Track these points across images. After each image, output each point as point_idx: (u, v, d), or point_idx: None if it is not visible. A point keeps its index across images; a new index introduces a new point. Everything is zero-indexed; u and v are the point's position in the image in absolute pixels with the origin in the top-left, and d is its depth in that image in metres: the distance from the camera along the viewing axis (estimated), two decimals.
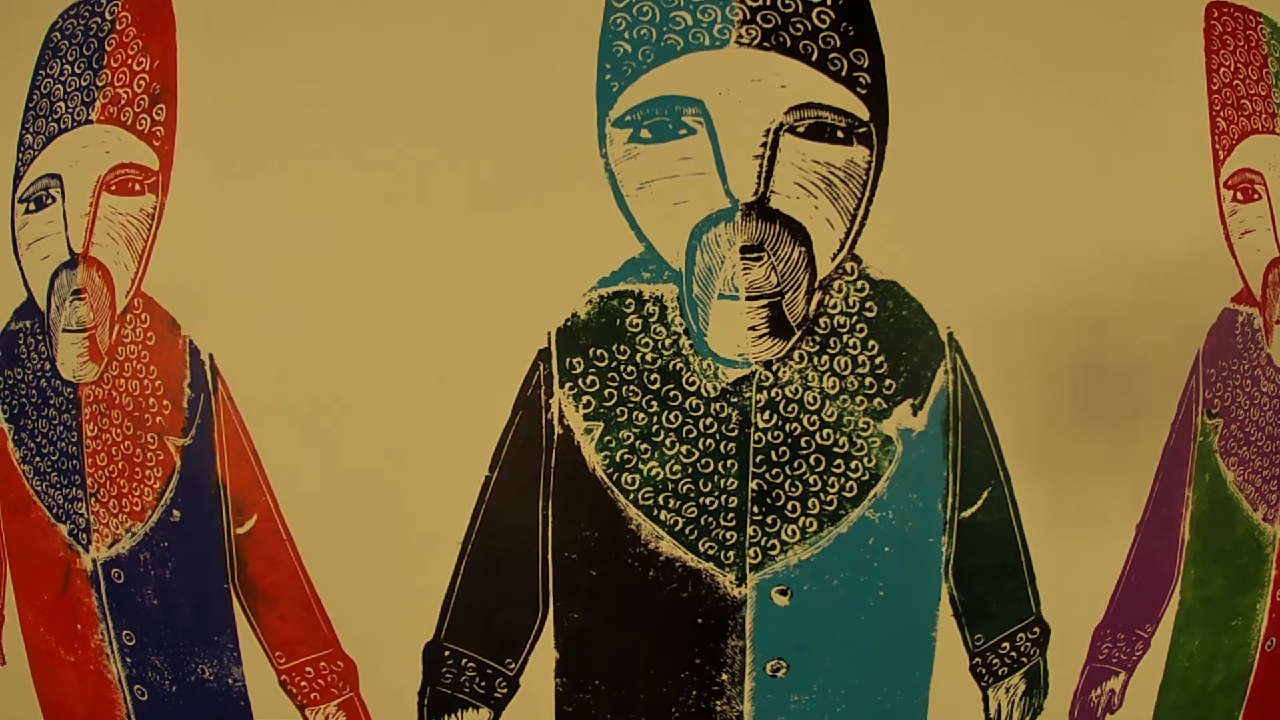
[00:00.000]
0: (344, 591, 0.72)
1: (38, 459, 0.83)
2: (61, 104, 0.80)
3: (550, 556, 0.69)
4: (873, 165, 0.68)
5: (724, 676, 0.71)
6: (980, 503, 0.71)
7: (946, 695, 0.74)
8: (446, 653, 0.72)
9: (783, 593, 0.69)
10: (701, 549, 0.68)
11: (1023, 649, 0.74)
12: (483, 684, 0.72)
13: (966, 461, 0.69)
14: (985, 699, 0.75)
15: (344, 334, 0.69)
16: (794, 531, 0.68)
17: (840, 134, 0.68)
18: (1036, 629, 0.74)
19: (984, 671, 0.74)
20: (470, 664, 0.72)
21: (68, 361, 0.79)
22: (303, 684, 0.77)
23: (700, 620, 0.69)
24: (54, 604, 0.86)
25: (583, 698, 0.72)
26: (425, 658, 0.72)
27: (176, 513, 0.76)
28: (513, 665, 0.72)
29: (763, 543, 0.68)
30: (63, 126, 0.80)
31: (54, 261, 0.80)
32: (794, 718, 0.72)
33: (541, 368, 0.67)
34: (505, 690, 0.72)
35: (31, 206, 0.81)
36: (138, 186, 0.76)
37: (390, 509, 0.70)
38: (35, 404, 0.82)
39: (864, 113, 0.68)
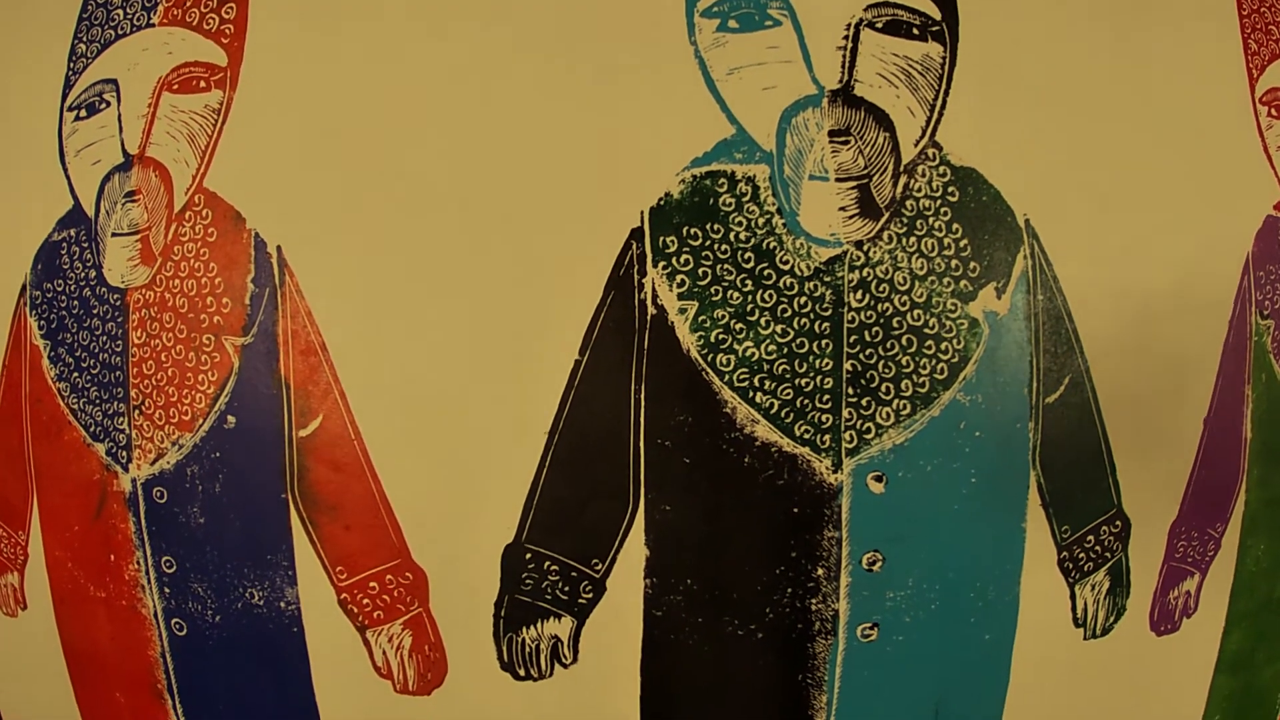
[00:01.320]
0: (416, 495, 0.63)
1: (75, 374, 0.73)
2: (120, 10, 0.73)
3: (642, 444, 0.62)
4: (946, 60, 0.66)
5: (820, 572, 0.64)
6: (1062, 389, 0.67)
7: (1035, 594, 0.68)
8: (528, 555, 0.64)
9: (878, 479, 0.64)
10: (798, 433, 0.63)
11: (1106, 543, 0.70)
12: (566, 589, 0.64)
13: (1048, 346, 0.66)
14: (1072, 597, 0.70)
15: (424, 218, 0.63)
16: (888, 414, 0.63)
17: (915, 30, 0.66)
18: (1119, 522, 0.70)
19: (1071, 567, 0.69)
20: (553, 567, 0.64)
21: (116, 267, 0.70)
22: (365, 601, 0.67)
23: (796, 510, 0.63)
24: (84, 534, 0.75)
25: (673, 599, 0.64)
26: (504, 562, 0.63)
27: (231, 419, 0.67)
28: (599, 566, 0.64)
29: (858, 426, 0.63)
30: (120, 32, 0.73)
31: (105, 166, 0.72)
32: (889, 616, 0.66)
33: (634, 247, 0.62)
34: (590, 595, 0.64)
35: (83, 113, 0.73)
36: (203, 84, 0.69)
37: (470, 401, 0.62)
38: (76, 315, 0.73)
39: (936, 13, 0.66)
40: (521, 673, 0.65)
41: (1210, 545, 0.74)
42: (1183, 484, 0.70)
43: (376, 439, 0.63)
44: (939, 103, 0.65)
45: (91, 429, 0.72)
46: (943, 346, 0.63)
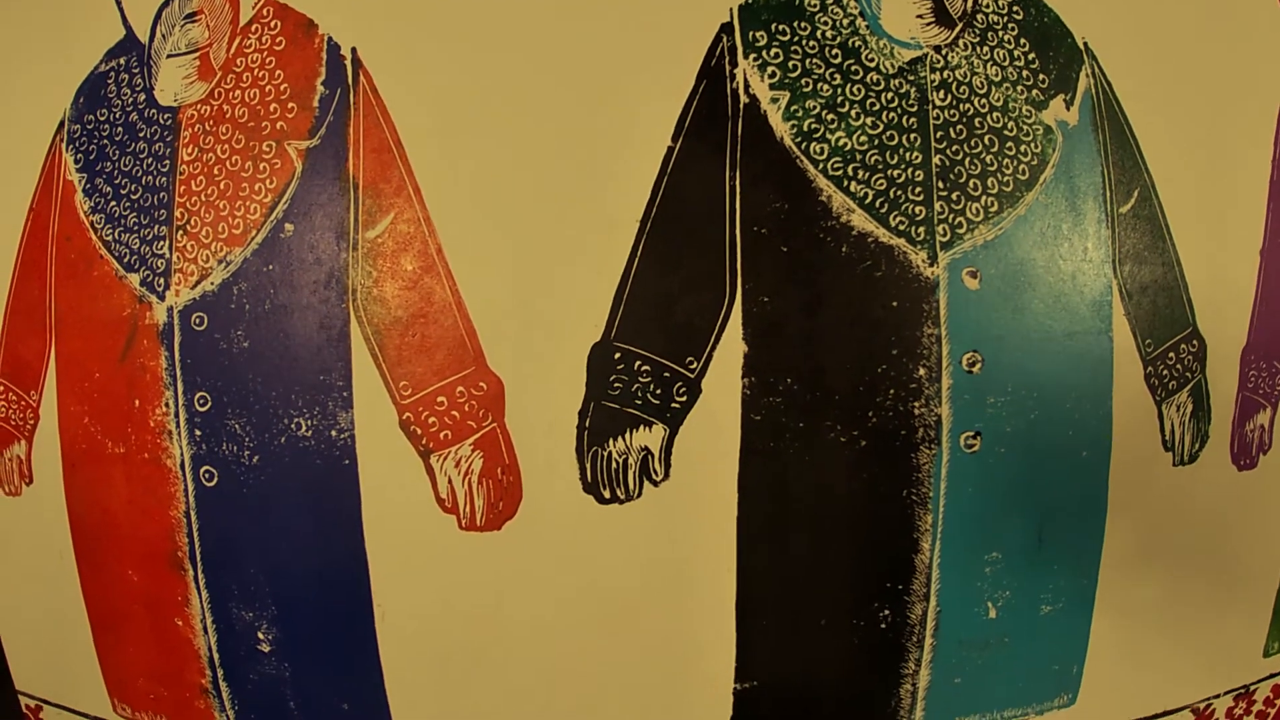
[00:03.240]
0: (493, 295, 0.52)
1: (113, 203, 0.62)
2: None
3: (739, 231, 0.54)
4: None
5: (921, 372, 0.56)
6: (1133, 201, 0.61)
7: (1126, 413, 0.61)
8: (617, 355, 0.53)
9: (973, 275, 0.56)
10: (892, 223, 0.55)
11: (1186, 362, 0.63)
12: (658, 392, 0.54)
13: (1116, 158, 0.61)
14: (1160, 419, 0.63)
15: (508, 12, 0.57)
16: (978, 210, 0.57)
17: None
18: (1196, 342, 0.63)
19: (1156, 384, 0.62)
20: (645, 367, 0.54)
21: (169, 86, 0.60)
22: (431, 420, 0.55)
23: (895, 303, 0.55)
24: (107, 381, 0.61)
25: (772, 401, 0.54)
26: (591, 363, 0.53)
27: (289, 226, 0.56)
28: (694, 365, 0.54)
29: (950, 220, 0.56)
30: None
31: None
32: (990, 424, 0.57)
33: (724, 40, 0.55)
34: (684, 398, 0.54)
35: None
36: None
37: (554, 193, 0.52)
38: (120, 142, 0.62)
39: None
40: (607, 494, 0.54)
41: (1278, 378, 0.68)
42: (1248, 312, 0.65)
43: (451, 236, 0.53)
44: None
45: (125, 259, 0.60)
46: (1022, 149, 0.58)
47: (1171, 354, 0.61)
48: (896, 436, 0.54)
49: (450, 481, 0.54)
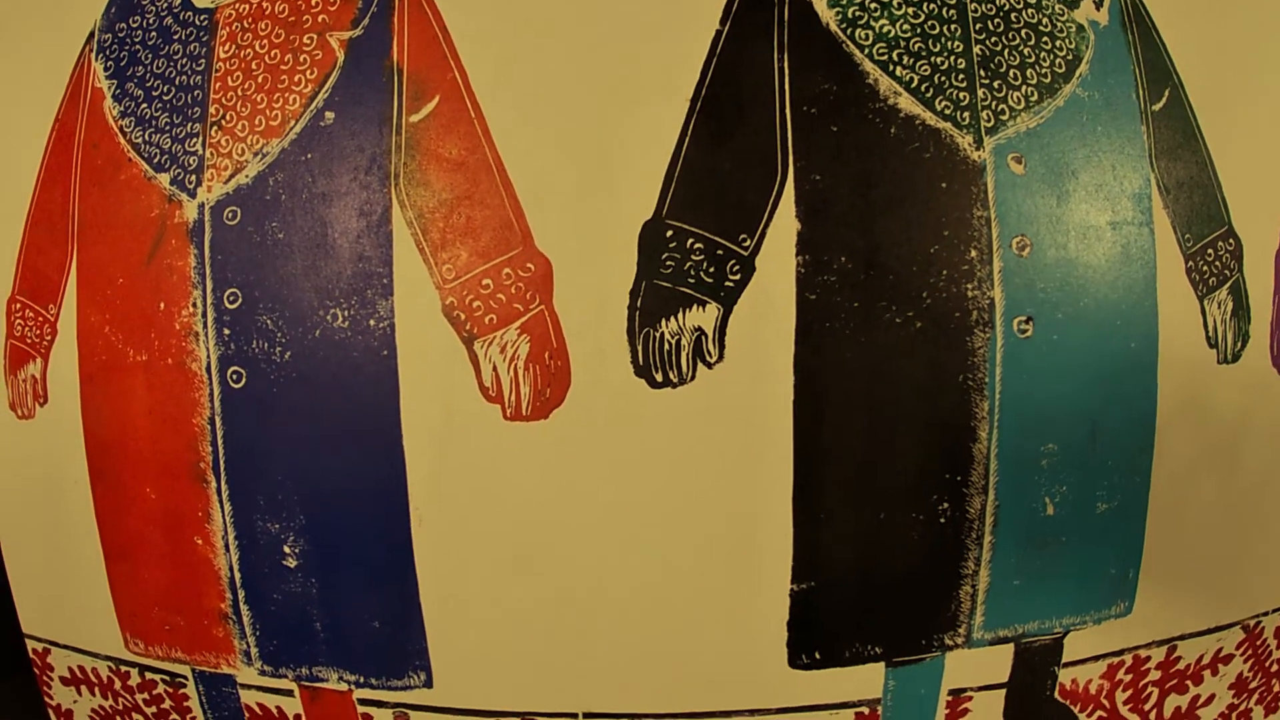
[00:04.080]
0: (541, 172, 0.48)
1: (144, 105, 0.57)
2: None
3: (789, 110, 0.51)
4: None
5: (972, 253, 0.52)
6: (1164, 101, 0.60)
7: (1171, 306, 0.58)
8: (669, 233, 0.49)
9: (1018, 160, 0.54)
10: (938, 107, 0.53)
11: (1224, 260, 0.60)
12: (711, 269, 0.50)
13: (1146, 58, 0.59)
14: (1203, 314, 0.60)
15: None
16: (1019, 99, 0.54)
17: None
18: (1232, 240, 0.60)
19: (1197, 279, 0.59)
20: (698, 245, 0.50)
21: None
22: (475, 305, 0.50)
23: (945, 184, 0.52)
24: (131, 286, 0.56)
25: (827, 280, 0.51)
26: (643, 242, 0.48)
27: (330, 114, 0.52)
28: (747, 242, 0.50)
29: (993, 106, 0.54)
30: None
31: None
32: (1042, 309, 0.54)
33: None
34: (738, 276, 0.50)
35: None
36: None
37: (606, 67, 0.48)
38: (153, 46, 0.58)
39: None
40: (659, 377, 0.50)
41: None
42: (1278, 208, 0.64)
43: (498, 116, 0.49)
44: None
45: (155, 159, 0.56)
46: (1057, 44, 0.56)
47: (1210, 250, 0.59)
48: (951, 319, 0.51)
49: (495, 368, 0.50)
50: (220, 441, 0.54)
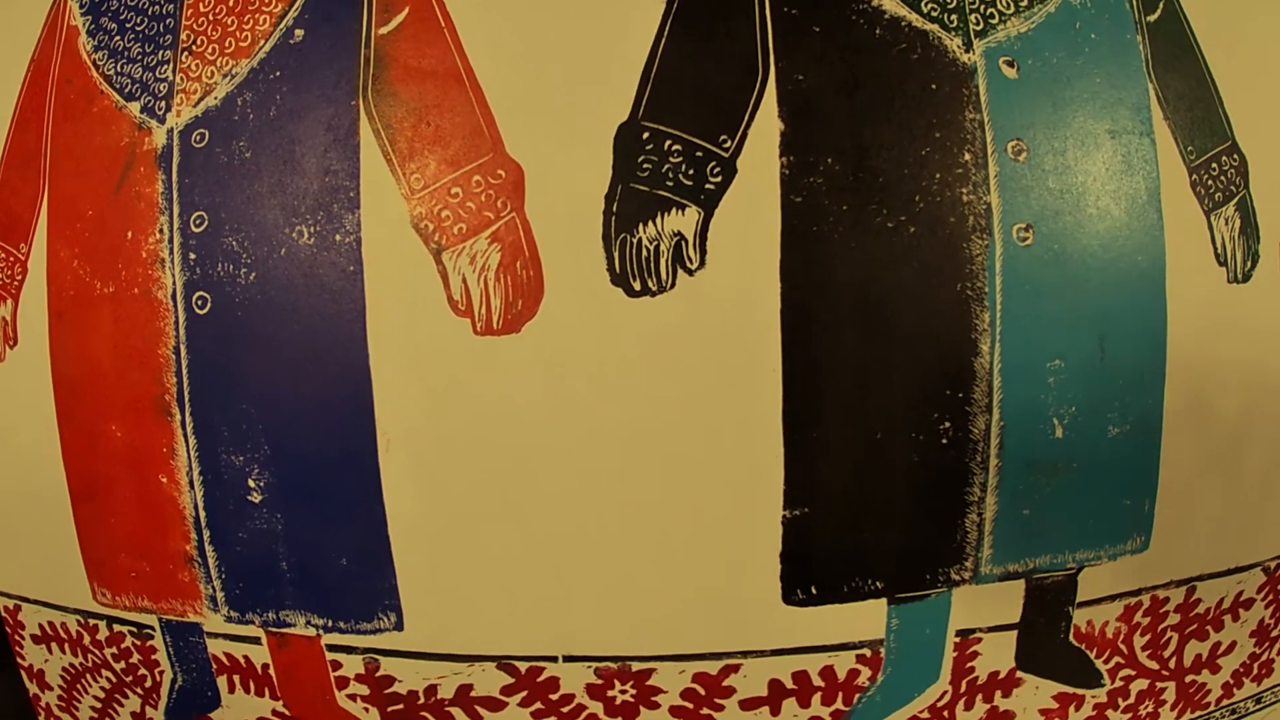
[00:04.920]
0: (512, 74, 0.44)
1: (117, 38, 0.53)
2: None
3: (768, 10, 0.47)
4: None
5: (966, 156, 0.47)
6: (1159, 12, 0.55)
7: (1177, 220, 0.53)
8: (645, 135, 0.44)
9: (1010, 64, 0.49)
10: (924, 9, 0.47)
11: (1229, 175, 0.55)
12: (690, 172, 0.45)
13: None
14: (1210, 228, 0.55)
15: None
16: (1008, 3, 0.50)
17: None
18: (1237, 156, 0.55)
19: (1202, 193, 0.53)
20: (676, 146, 0.45)
21: None
22: (444, 215, 0.46)
23: (934, 85, 0.47)
24: (100, 218, 0.52)
25: (813, 182, 0.46)
26: (618, 145, 0.43)
27: (299, 32, 0.48)
28: (728, 143, 0.46)
29: (981, 9, 0.48)
30: None
31: None
32: (1042, 216, 0.49)
33: None
34: (719, 178, 0.45)
35: None
36: None
37: None
38: None
39: None
40: (637, 285, 0.44)
41: None
42: None
43: (469, 21, 0.45)
44: None
45: (126, 89, 0.52)
46: None
47: (1214, 164, 0.54)
48: (946, 224, 0.46)
49: (464, 280, 0.45)
50: (185, 372, 0.49)
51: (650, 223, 0.44)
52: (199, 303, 0.48)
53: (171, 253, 0.49)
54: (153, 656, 0.55)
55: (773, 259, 0.44)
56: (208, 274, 0.48)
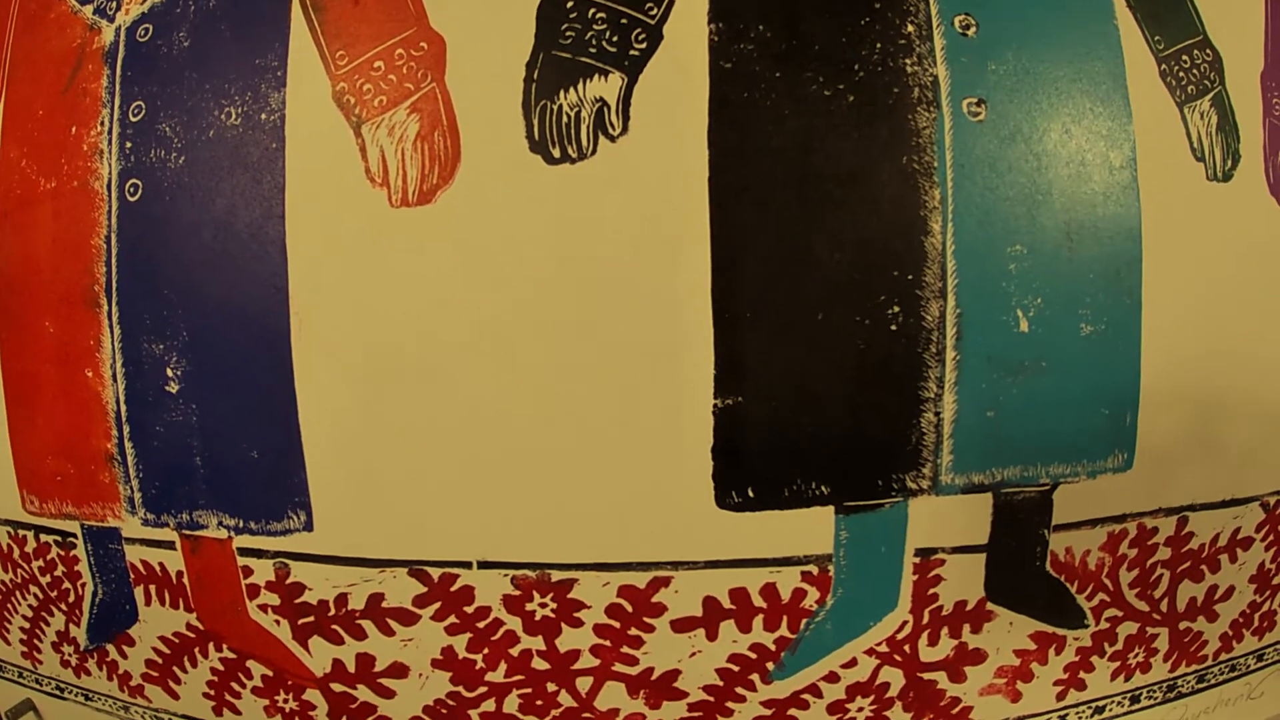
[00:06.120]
0: None
1: None
2: None
3: None
4: None
5: (910, 28, 0.41)
6: None
7: (1147, 110, 0.45)
8: (570, 3, 0.40)
9: None
10: None
11: (1202, 69, 0.48)
12: (615, 38, 0.40)
13: None
14: (1184, 121, 0.48)
15: None
16: None
17: None
18: (1209, 50, 0.49)
19: (1173, 84, 0.46)
20: (600, 14, 0.40)
21: None
22: (366, 87, 0.41)
23: None
24: (48, 117, 0.48)
25: (743, 49, 0.40)
26: (543, 12, 0.38)
27: None
28: (654, 10, 0.40)
29: None
30: None
31: None
32: (995, 92, 0.43)
33: None
34: (644, 44, 0.40)
35: None
36: None
37: None
38: None
39: None
40: (556, 152, 0.39)
41: None
42: (1261, 33, 0.52)
43: None
44: None
45: None
46: None
47: (1185, 57, 0.47)
48: (889, 94, 0.40)
49: (382, 151, 0.40)
50: (114, 260, 0.45)
51: (572, 89, 0.39)
52: (131, 190, 0.45)
53: (110, 143, 0.45)
54: (75, 568, 0.49)
55: (700, 127, 0.38)
56: (141, 161, 0.44)
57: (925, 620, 0.43)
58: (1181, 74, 0.46)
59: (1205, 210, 0.45)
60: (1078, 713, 0.47)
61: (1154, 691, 0.49)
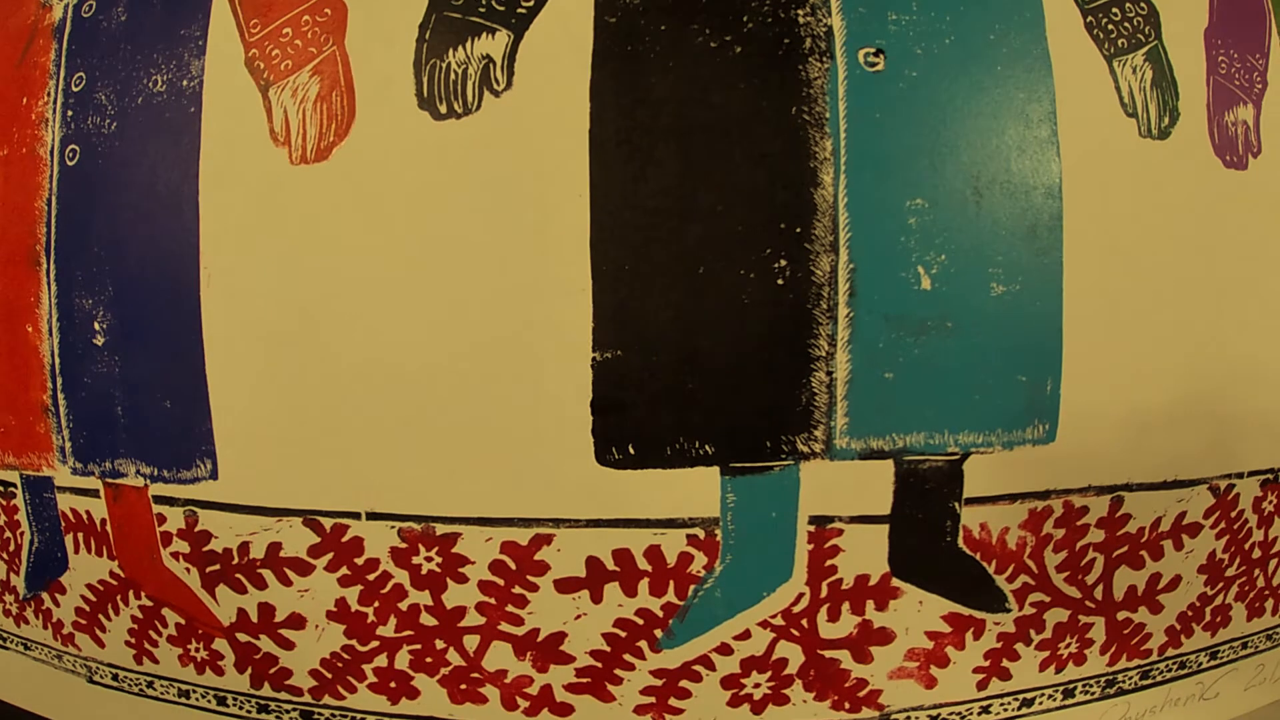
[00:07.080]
0: None
1: None
2: None
3: None
4: None
5: None
6: None
7: (1069, 62, 0.43)
8: None
9: None
10: None
11: (1135, 22, 0.45)
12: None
13: None
14: (1114, 74, 0.45)
15: None
16: None
17: None
18: (1143, 4, 0.46)
19: (1101, 36, 0.44)
20: None
21: None
22: (275, 53, 0.43)
23: None
24: (3, 88, 0.51)
25: (629, 3, 0.39)
26: None
27: None
28: None
29: None
30: None
31: None
32: (896, 42, 0.42)
33: None
34: (531, 3, 0.41)
35: None
36: None
37: None
38: None
39: None
40: (443, 108, 0.40)
41: (1256, 77, 0.49)
42: None
43: None
44: None
45: None
46: None
47: (1115, 9, 0.44)
48: (779, 44, 0.39)
49: (285, 112, 0.42)
50: (54, 221, 0.48)
51: (460, 47, 0.40)
52: (70, 155, 0.48)
53: (54, 112, 0.49)
54: (15, 518, 0.52)
55: (583, 80, 0.39)
56: (79, 128, 0.48)
57: (824, 594, 0.41)
58: (1111, 27, 0.44)
59: (1138, 168, 0.43)
60: (1003, 703, 0.44)
61: (1090, 686, 0.45)
